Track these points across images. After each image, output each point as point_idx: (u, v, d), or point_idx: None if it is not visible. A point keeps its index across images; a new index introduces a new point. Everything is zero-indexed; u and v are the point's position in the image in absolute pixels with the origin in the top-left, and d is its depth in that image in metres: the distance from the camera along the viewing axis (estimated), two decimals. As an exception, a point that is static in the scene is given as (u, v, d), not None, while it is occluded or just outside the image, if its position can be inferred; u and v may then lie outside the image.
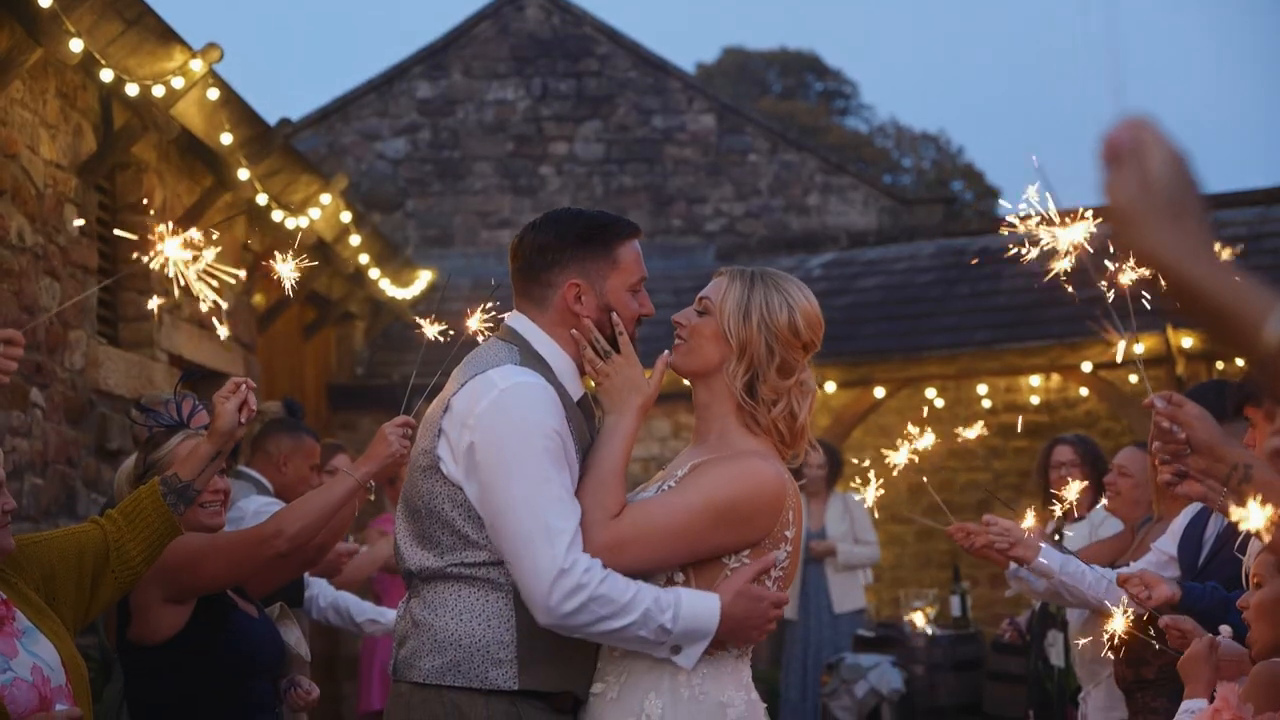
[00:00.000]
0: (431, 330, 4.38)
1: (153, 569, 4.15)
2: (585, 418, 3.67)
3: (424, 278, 13.48)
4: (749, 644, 3.55)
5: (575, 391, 3.65)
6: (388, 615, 6.70)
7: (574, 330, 3.63)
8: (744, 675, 3.56)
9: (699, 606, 3.41)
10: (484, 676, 3.44)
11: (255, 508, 6.09)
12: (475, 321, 4.15)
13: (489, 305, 4.14)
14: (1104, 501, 6.29)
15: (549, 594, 3.31)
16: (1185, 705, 4.01)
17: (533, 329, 3.66)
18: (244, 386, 4.06)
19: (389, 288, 12.76)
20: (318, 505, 4.50)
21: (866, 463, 4.51)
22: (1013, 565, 5.40)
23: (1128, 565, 5.63)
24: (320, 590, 6.38)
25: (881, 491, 4.41)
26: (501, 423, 3.44)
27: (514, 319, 3.71)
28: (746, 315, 3.58)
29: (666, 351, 3.67)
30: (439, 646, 3.48)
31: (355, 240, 11.34)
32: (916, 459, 4.50)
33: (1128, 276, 3.69)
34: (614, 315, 3.63)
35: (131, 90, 7.41)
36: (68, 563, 3.91)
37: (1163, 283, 1.85)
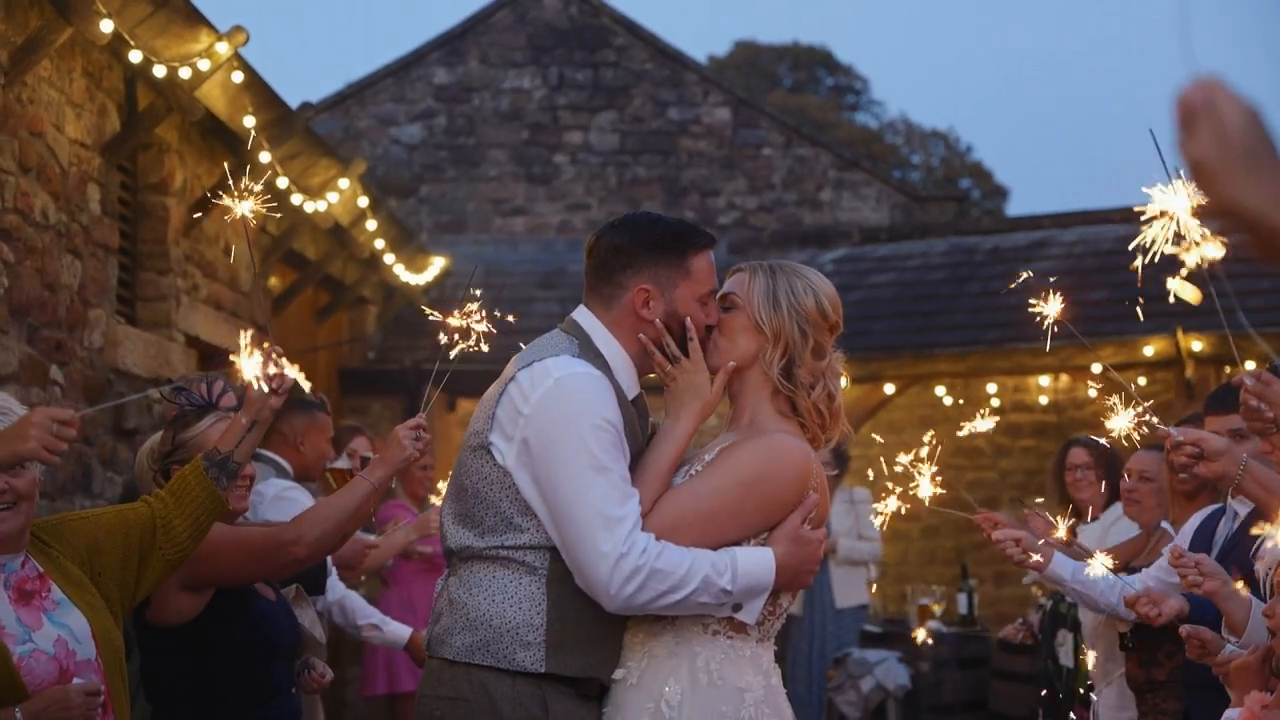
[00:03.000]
0: (458, 322, 4.35)
1: None
2: (639, 416, 3.72)
3: (437, 264, 13.49)
4: (801, 587, 3.67)
5: (631, 390, 3.70)
6: (390, 625, 6.64)
7: (642, 334, 3.68)
8: (764, 660, 3.62)
9: (755, 563, 3.49)
10: (511, 658, 3.49)
11: (275, 491, 6.10)
12: (457, 319, 4.16)
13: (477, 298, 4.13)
14: (1119, 505, 6.30)
15: (610, 579, 3.39)
16: (1227, 715, 4.02)
17: (596, 325, 3.72)
18: (273, 353, 4.05)
19: (403, 273, 12.79)
20: (336, 511, 4.50)
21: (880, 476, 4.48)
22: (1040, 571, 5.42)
23: (1141, 570, 5.66)
24: (329, 584, 6.37)
25: (898, 502, 4.40)
26: (556, 412, 3.51)
27: (579, 313, 3.76)
28: (776, 303, 3.66)
29: (731, 362, 3.71)
30: (470, 625, 3.54)
31: (371, 225, 11.37)
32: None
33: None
34: (688, 320, 3.68)
35: (159, 72, 7.45)
36: (114, 539, 3.95)
37: (1247, 234, 1.86)
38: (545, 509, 3.50)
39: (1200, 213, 1.91)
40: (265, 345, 4.04)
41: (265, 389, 4.01)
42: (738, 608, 3.50)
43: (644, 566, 3.38)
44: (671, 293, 3.68)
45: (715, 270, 3.77)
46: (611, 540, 3.38)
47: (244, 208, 4.08)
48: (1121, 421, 4.42)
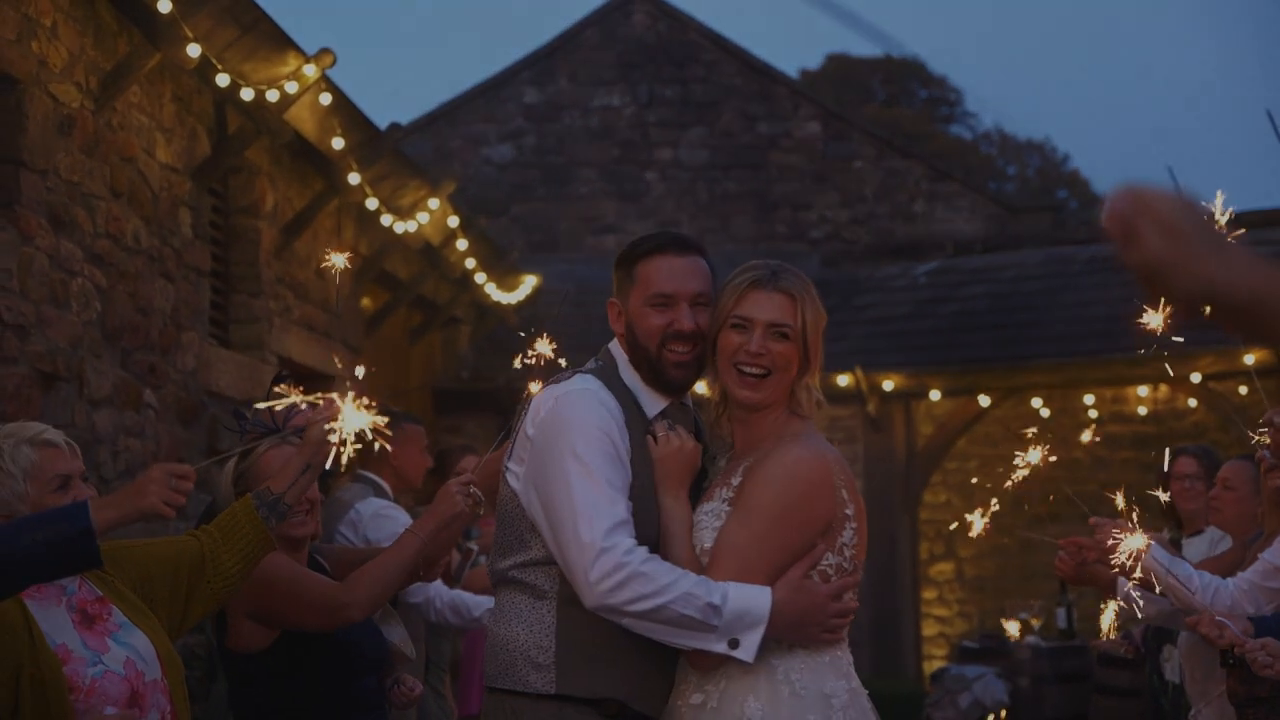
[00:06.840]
0: (545, 347, 4.31)
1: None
2: (688, 427, 3.70)
3: (529, 282, 13.53)
4: (818, 642, 3.47)
5: (651, 408, 3.68)
6: None
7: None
8: (843, 663, 3.51)
9: (750, 593, 3.37)
10: (525, 680, 3.52)
11: (372, 510, 6.17)
12: (544, 347, 4.16)
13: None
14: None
15: (589, 572, 3.35)
16: None
17: (619, 350, 3.75)
18: (335, 404, 4.02)
19: (494, 292, 12.83)
20: (390, 573, 4.48)
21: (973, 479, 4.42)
22: (1121, 584, 5.29)
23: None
24: (437, 591, 6.36)
25: (984, 520, 4.33)
26: (551, 426, 3.55)
27: (613, 343, 3.80)
28: (816, 323, 3.58)
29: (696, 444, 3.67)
30: (493, 651, 3.62)
31: (462, 244, 11.41)
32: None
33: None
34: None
35: (247, 95, 7.50)
36: (164, 569, 3.96)
37: (1225, 310, 1.81)
38: (543, 519, 3.52)
39: (1177, 312, 1.89)
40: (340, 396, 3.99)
41: (322, 431, 3.96)
42: (735, 644, 3.36)
43: (627, 565, 3.34)
44: (626, 303, 3.71)
45: (679, 271, 3.67)
46: (591, 533, 3.37)
47: (339, 260, 4.15)
48: (1136, 541, 4.36)
